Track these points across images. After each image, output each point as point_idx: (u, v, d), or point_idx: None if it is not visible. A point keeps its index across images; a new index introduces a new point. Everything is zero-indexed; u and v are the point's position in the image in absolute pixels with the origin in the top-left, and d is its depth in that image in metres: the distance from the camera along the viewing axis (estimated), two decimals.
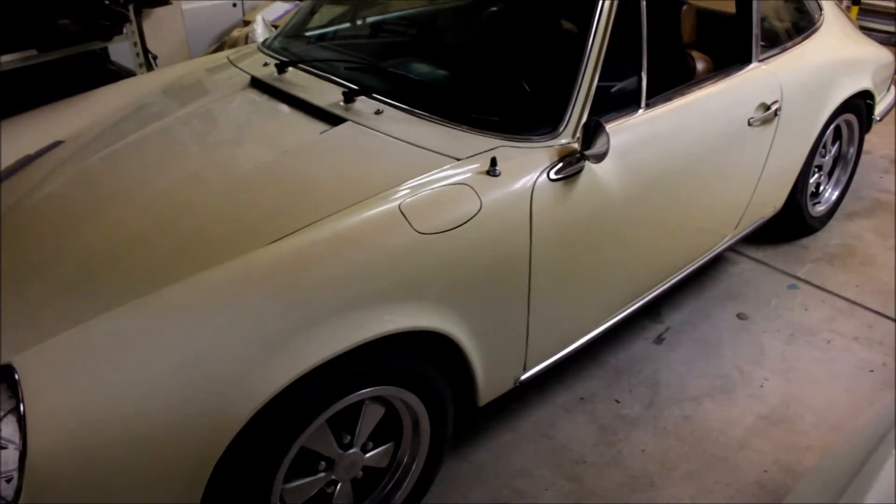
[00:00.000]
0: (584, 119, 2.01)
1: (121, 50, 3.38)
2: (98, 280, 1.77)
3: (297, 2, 4.50)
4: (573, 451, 2.30)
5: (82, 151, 2.33)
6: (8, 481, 1.35)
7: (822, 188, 3.46)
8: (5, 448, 1.36)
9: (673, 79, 2.42)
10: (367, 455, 1.88)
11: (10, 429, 1.36)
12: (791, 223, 3.28)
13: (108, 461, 1.38)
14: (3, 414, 1.38)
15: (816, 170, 3.30)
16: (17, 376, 1.36)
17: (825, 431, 2.39)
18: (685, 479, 2.22)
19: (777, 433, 2.38)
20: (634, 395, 2.53)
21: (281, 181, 1.94)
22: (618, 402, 2.50)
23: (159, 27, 3.64)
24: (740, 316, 2.92)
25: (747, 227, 2.95)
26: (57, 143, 2.42)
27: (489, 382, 1.99)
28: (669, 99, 2.31)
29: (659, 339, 2.78)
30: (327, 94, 2.25)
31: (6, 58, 2.94)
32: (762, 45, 2.71)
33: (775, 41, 2.85)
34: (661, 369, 2.64)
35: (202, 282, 1.55)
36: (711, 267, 3.17)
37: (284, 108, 2.28)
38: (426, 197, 1.75)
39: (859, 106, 3.26)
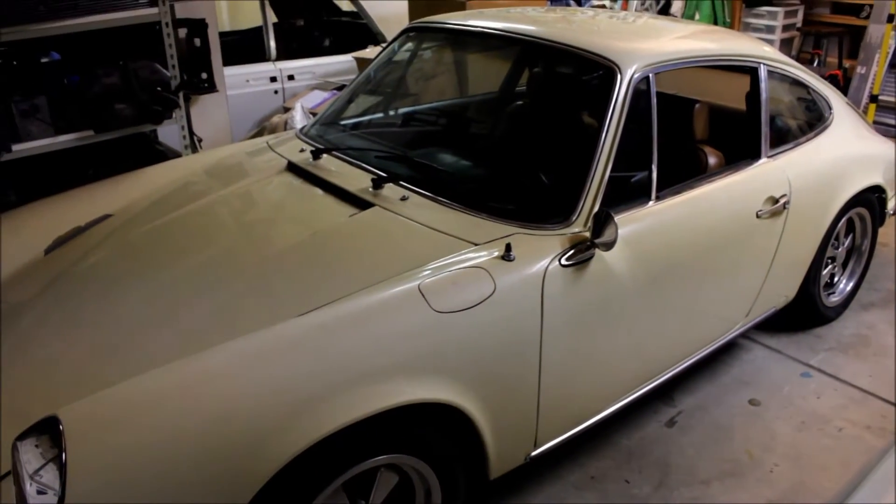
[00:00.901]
0: (596, 209, 2.15)
1: (169, 132, 3.61)
2: (138, 342, 1.92)
3: (335, 91, 4.77)
4: None
5: (127, 226, 2.52)
6: None
7: (836, 279, 3.54)
8: (44, 493, 1.47)
9: (685, 172, 2.56)
10: None
11: (50, 476, 1.48)
12: (804, 312, 3.36)
13: None
14: (45, 462, 1.50)
15: (830, 261, 3.40)
16: (61, 427, 1.48)
17: None
18: None
19: None
20: (644, 475, 2.58)
21: (311, 259, 2.10)
22: (628, 482, 2.56)
23: (205, 112, 3.89)
24: (752, 402, 2.97)
25: (759, 315, 3.03)
26: (106, 217, 2.61)
27: (500, 457, 2.08)
28: (679, 192, 2.45)
29: (671, 422, 2.85)
30: (358, 180, 2.42)
31: (65, 137, 3.18)
32: (772, 141, 2.85)
33: (786, 137, 3.00)
34: (671, 452, 2.70)
35: (233, 348, 1.69)
36: (725, 353, 3.24)
37: (318, 191, 2.46)
38: (444, 278, 1.89)
39: (871, 200, 3.37)
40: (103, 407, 1.57)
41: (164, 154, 3.57)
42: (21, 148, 3.07)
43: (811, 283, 3.20)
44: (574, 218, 2.15)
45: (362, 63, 4.92)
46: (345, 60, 5.28)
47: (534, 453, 2.20)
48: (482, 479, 2.11)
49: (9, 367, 2.00)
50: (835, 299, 3.52)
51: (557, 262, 2.03)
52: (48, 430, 1.52)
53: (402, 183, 2.35)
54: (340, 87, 4.82)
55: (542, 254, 2.03)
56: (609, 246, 2.03)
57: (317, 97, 4.73)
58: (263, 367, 1.65)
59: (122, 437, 1.51)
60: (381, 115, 3.19)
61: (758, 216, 2.66)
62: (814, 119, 3.20)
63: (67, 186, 2.79)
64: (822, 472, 2.62)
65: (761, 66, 2.82)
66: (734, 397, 3.00)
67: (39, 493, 1.46)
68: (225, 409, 1.58)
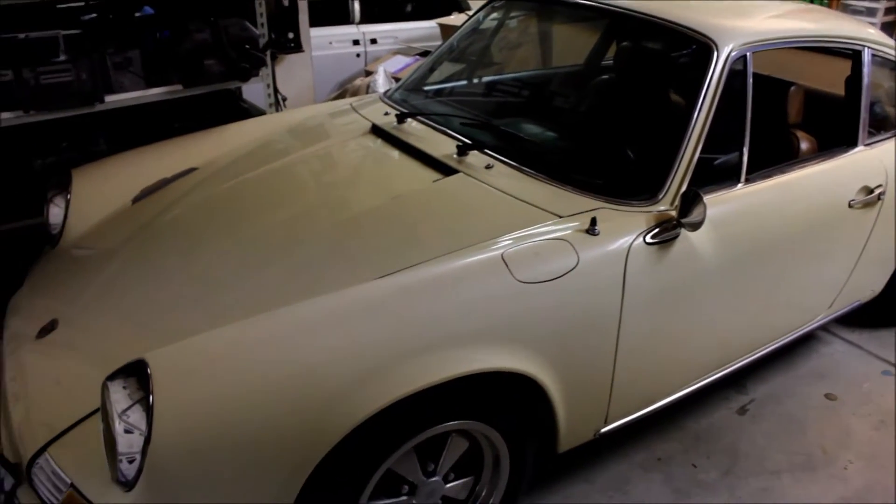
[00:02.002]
0: (684, 188, 2.10)
1: (254, 90, 3.66)
2: (220, 294, 1.97)
3: (417, 56, 4.76)
4: None
5: (212, 179, 2.57)
6: (130, 462, 1.52)
7: None
8: (131, 433, 1.53)
9: (775, 156, 2.48)
10: (448, 485, 1.99)
11: (137, 416, 1.54)
12: (890, 308, 3.24)
13: (218, 456, 1.53)
14: (132, 403, 1.56)
15: None
16: (149, 370, 1.53)
17: None
18: None
19: None
20: (712, 461, 2.55)
21: (392, 223, 2.11)
22: (695, 466, 2.53)
23: (290, 71, 3.92)
24: (829, 396, 2.90)
25: (842, 308, 2.94)
26: (191, 170, 2.66)
27: (570, 431, 2.07)
28: (770, 176, 2.38)
29: (742, 410, 2.80)
30: (442, 145, 2.42)
31: (155, 91, 3.25)
32: (871, 130, 2.74)
33: (885, 125, 2.88)
34: (741, 440, 2.65)
35: (316, 305, 1.71)
36: (802, 344, 3.16)
37: (401, 155, 2.47)
38: (527, 248, 1.88)
39: None
40: (189, 354, 1.61)
41: (248, 111, 3.62)
42: (113, 99, 3.15)
43: None
44: (661, 196, 2.10)
45: (446, 29, 4.90)
46: (428, 26, 5.26)
47: (603, 430, 2.19)
48: (550, 452, 2.11)
49: (96, 311, 2.07)
50: None
51: (642, 240, 2.00)
52: (136, 373, 1.57)
53: (487, 151, 2.34)
54: (423, 53, 4.81)
55: (627, 230, 2.00)
56: (696, 226, 1.99)
57: (399, 62, 4.73)
58: (345, 325, 1.67)
59: (206, 384, 1.55)
60: (465, 83, 3.17)
61: (850, 206, 2.57)
62: None
63: (155, 139, 2.85)
64: None
65: (865, 49, 2.70)
66: (809, 390, 2.93)
67: (126, 431, 1.52)
68: (306, 364, 1.60)
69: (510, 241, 1.90)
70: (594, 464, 2.50)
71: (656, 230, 2.03)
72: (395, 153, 2.49)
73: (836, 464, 2.57)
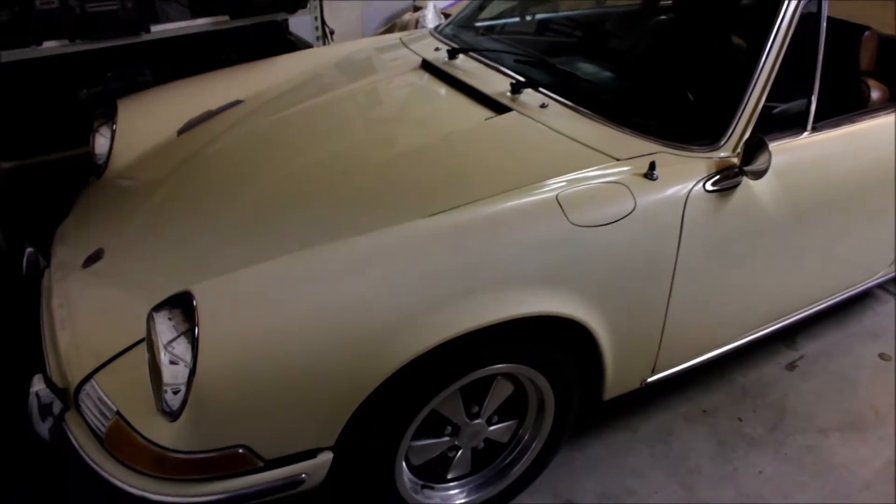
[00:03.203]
0: (748, 135, 2.01)
1: (300, 23, 3.59)
2: (266, 227, 1.94)
3: None
4: (689, 461, 2.31)
5: (258, 112, 2.53)
6: (175, 393, 1.52)
7: None
8: (176, 364, 1.52)
9: (843, 105, 2.36)
10: (491, 428, 1.97)
11: (182, 348, 1.52)
12: None
13: (263, 389, 1.52)
14: (177, 335, 1.54)
15: None
16: (194, 302, 1.51)
17: None
18: None
19: None
20: (759, 416, 2.50)
21: (443, 160, 2.06)
22: (741, 420, 2.48)
23: (338, 4, 3.84)
24: (883, 356, 2.81)
25: None
26: (237, 102, 2.63)
27: (617, 379, 2.03)
28: (838, 125, 2.26)
29: (791, 366, 2.73)
30: (495, 83, 2.34)
31: (201, 21, 3.20)
32: None
33: None
34: (789, 396, 2.59)
35: (364, 242, 1.67)
36: (857, 302, 3.06)
37: (452, 92, 2.40)
38: (583, 191, 1.81)
39: None
40: (236, 287, 1.58)
41: (294, 45, 3.56)
42: (159, 29, 3.11)
43: None
44: (723, 142, 2.01)
45: None
46: None
47: (650, 379, 2.15)
48: (595, 399, 2.08)
49: (141, 242, 2.06)
50: None
51: (702, 186, 1.92)
52: (181, 305, 1.55)
53: (541, 89, 2.26)
54: None
55: (687, 176, 1.92)
56: (759, 175, 1.91)
57: None
58: (394, 263, 1.62)
59: (252, 317, 1.53)
60: (517, 20, 3.06)
61: None
62: None
63: (201, 70, 2.82)
64: None
65: None
66: (863, 349, 2.84)
67: (172, 363, 1.51)
68: (355, 300, 1.57)
69: (565, 183, 1.83)
70: (638, 413, 2.47)
71: (717, 177, 1.95)
72: (446, 90, 2.42)
73: (887, 425, 2.50)
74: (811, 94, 2.17)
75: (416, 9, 4.65)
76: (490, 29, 2.96)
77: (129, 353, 1.73)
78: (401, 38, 2.90)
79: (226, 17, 3.23)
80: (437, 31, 2.87)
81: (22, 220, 2.95)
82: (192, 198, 2.18)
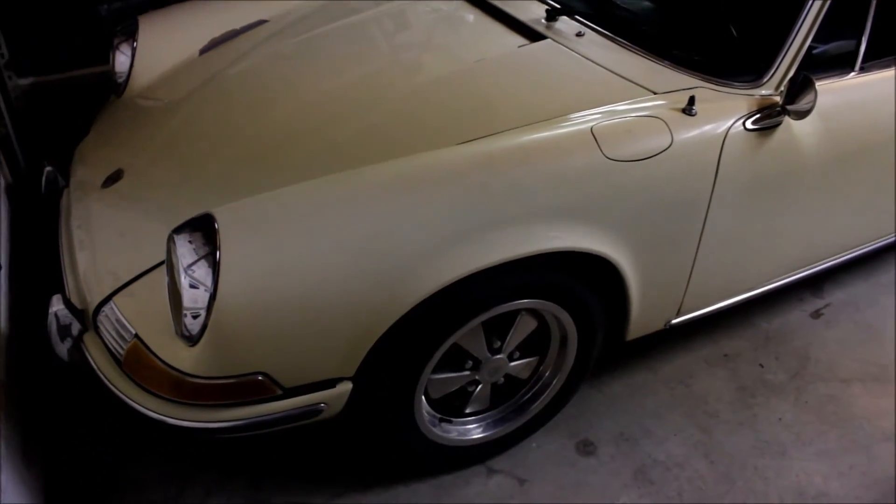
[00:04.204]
0: (792, 73, 1.92)
1: None
2: (289, 152, 1.89)
3: None
4: (708, 404, 2.29)
5: (283, 33, 2.46)
6: (194, 317, 1.49)
7: None
8: (196, 288, 1.49)
9: (894, 44, 2.26)
10: (512, 364, 1.95)
11: (202, 272, 1.49)
12: None
13: (284, 316, 1.49)
14: (198, 258, 1.51)
15: None
16: (216, 225, 1.48)
17: None
18: (819, 457, 2.17)
19: None
20: (781, 363, 2.46)
21: (475, 88, 2.00)
22: (762, 366, 2.45)
23: None
24: None
25: None
26: (261, 22, 2.56)
27: (641, 319, 2.00)
28: (888, 66, 2.16)
29: (817, 314, 2.69)
30: (530, 9, 2.26)
31: None
32: None
33: None
34: (813, 344, 2.55)
35: (390, 168, 1.62)
36: (888, 252, 2.98)
37: (485, 17, 2.31)
38: (619, 124, 1.75)
39: None
40: (259, 210, 1.54)
41: None
42: None
43: None
44: (766, 79, 1.93)
45: None
46: None
47: (674, 321, 2.12)
48: (618, 339, 2.05)
49: (162, 163, 2.03)
50: None
51: (741, 125, 1.85)
52: (202, 228, 1.51)
53: (578, 18, 2.18)
54: None
55: (727, 113, 1.85)
56: (803, 115, 1.83)
57: None
58: (422, 191, 1.58)
59: (275, 242, 1.49)
60: None
61: None
62: None
63: None
64: None
65: None
66: (890, 300, 2.79)
67: (192, 287, 1.49)
68: (381, 228, 1.53)
69: (600, 116, 1.77)
70: (659, 354, 2.44)
71: (758, 115, 1.87)
72: (478, 15, 2.34)
73: None
74: (862, 32, 2.07)
75: None
76: None
77: (149, 275, 1.71)
78: None
79: None
80: None
81: (40, 138, 2.91)
82: (214, 120, 2.13)
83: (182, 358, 1.53)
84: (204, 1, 2.65)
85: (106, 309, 1.69)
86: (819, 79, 1.98)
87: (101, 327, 1.69)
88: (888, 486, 2.10)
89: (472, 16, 2.36)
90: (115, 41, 2.48)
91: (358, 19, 2.47)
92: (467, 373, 1.89)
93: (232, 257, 1.46)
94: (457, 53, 2.17)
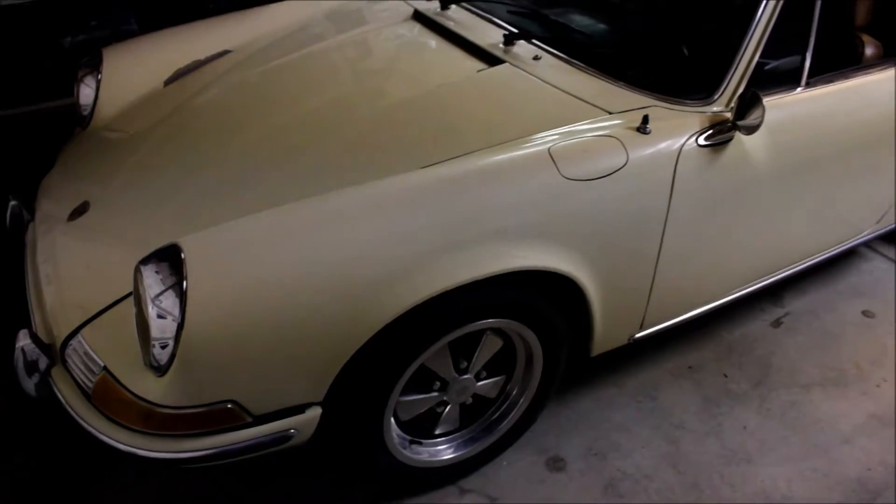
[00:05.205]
0: (742, 89, 1.99)
1: None
2: (256, 180, 1.91)
3: None
4: (674, 416, 2.34)
5: (247, 63, 2.48)
6: (163, 347, 1.50)
7: None
8: (164, 318, 1.51)
9: (837, 61, 2.34)
10: (480, 383, 1.98)
11: (170, 302, 1.50)
12: None
13: (253, 344, 1.51)
14: (165, 288, 1.53)
15: None
16: (182, 255, 1.49)
17: None
18: (783, 462, 2.22)
19: (888, 435, 2.33)
20: (744, 372, 2.52)
21: (435, 112, 2.03)
22: (726, 376, 2.50)
23: None
24: (866, 313, 2.84)
25: (889, 224, 2.83)
26: (225, 52, 2.58)
27: (605, 334, 2.04)
28: (831, 81, 2.24)
29: (777, 323, 2.75)
30: (488, 34, 2.30)
31: None
32: None
33: None
34: (774, 352, 2.62)
35: (355, 194, 1.65)
36: (843, 259, 3.08)
37: (444, 43, 2.36)
38: (575, 144, 1.80)
39: None
40: (224, 239, 1.56)
41: None
42: None
43: None
44: (717, 96, 1.99)
45: None
46: None
47: (638, 335, 2.16)
48: (583, 355, 2.09)
49: (128, 195, 2.03)
50: None
51: (694, 141, 1.91)
52: (169, 258, 1.53)
53: (535, 41, 2.23)
54: None
55: (680, 130, 1.90)
56: (752, 130, 1.89)
57: None
58: (385, 215, 1.61)
59: (241, 270, 1.51)
60: None
61: None
62: None
63: (188, 19, 2.76)
64: None
65: None
66: (847, 306, 2.87)
67: (159, 317, 1.49)
68: (345, 253, 1.55)
69: (557, 136, 1.82)
70: (625, 369, 2.49)
71: (710, 132, 1.93)
72: (437, 41, 2.38)
73: (868, 381, 2.53)
74: (806, 49, 2.14)
75: None
76: None
77: (116, 307, 1.71)
78: None
79: None
80: None
81: (5, 171, 2.90)
82: (179, 149, 2.14)
83: (151, 389, 1.54)
84: (168, 32, 2.67)
85: (74, 342, 1.69)
86: (768, 94, 2.06)
87: (70, 361, 1.69)
88: (849, 486, 2.16)
89: (432, 42, 2.40)
90: (80, 74, 2.49)
91: (321, 47, 2.50)
92: (435, 394, 1.91)
93: (199, 286, 1.47)
94: (418, 79, 2.21)
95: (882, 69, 2.41)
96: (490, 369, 1.98)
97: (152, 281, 1.52)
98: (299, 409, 1.64)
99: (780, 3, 2.01)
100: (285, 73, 2.39)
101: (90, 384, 1.62)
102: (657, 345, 2.55)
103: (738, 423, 2.34)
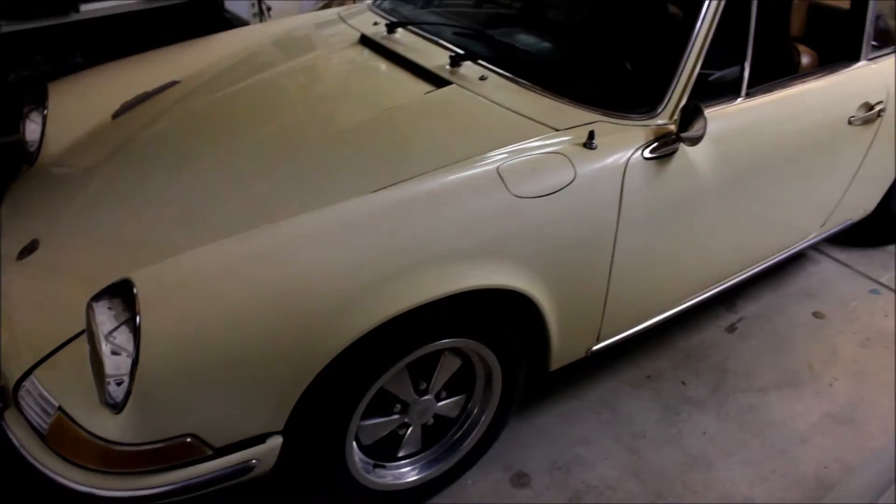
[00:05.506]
0: (684, 102, 2.04)
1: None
2: (207, 211, 1.91)
3: None
4: (635, 426, 2.37)
5: (195, 93, 2.48)
6: (118, 384, 1.49)
7: None
8: (118, 355, 1.49)
9: (776, 70, 2.41)
10: (440, 403, 1.99)
11: (124, 338, 1.49)
12: (880, 228, 3.23)
13: (209, 376, 1.50)
14: (118, 324, 1.51)
15: None
16: (135, 290, 1.48)
17: (892, 436, 2.39)
18: (743, 465, 2.26)
19: (841, 432, 2.39)
20: (701, 379, 2.57)
21: (384, 136, 2.05)
22: (684, 383, 2.54)
23: None
24: (817, 315, 2.91)
25: (834, 227, 2.92)
26: (173, 83, 2.56)
27: (562, 348, 2.06)
28: (770, 90, 2.31)
29: (731, 328, 2.81)
30: (434, 56, 2.33)
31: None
32: (873, 45, 2.66)
33: (888, 40, 2.80)
34: (730, 357, 2.67)
35: (306, 222, 1.66)
36: (792, 263, 3.16)
37: (391, 66, 2.38)
38: (523, 162, 1.83)
39: None
40: (177, 272, 1.55)
41: (230, 22, 3.49)
42: (89, 8, 3.02)
43: (892, 197, 3.07)
44: (660, 109, 2.04)
45: None
46: None
47: (595, 348, 2.19)
48: (542, 370, 2.11)
49: (78, 231, 2.01)
50: None
51: (640, 154, 1.95)
52: (121, 294, 1.52)
53: (481, 62, 2.26)
54: None
55: (626, 144, 1.95)
56: (696, 141, 1.94)
57: None
58: (338, 241, 1.62)
59: (195, 303, 1.51)
60: None
61: (849, 123, 2.52)
62: None
63: (134, 51, 2.74)
64: (883, 390, 2.57)
65: None
66: (798, 308, 2.94)
67: (114, 353, 1.48)
68: (299, 281, 1.56)
69: (506, 155, 1.84)
70: (584, 381, 2.51)
71: (655, 144, 1.97)
72: (385, 64, 2.40)
73: (821, 381, 2.60)
74: (744, 60, 2.21)
75: None
76: (429, 2, 2.94)
77: (70, 346, 1.69)
78: (339, 14, 2.87)
79: None
80: (376, 5, 2.84)
81: None
82: (130, 183, 2.13)
83: (108, 427, 1.52)
84: (114, 65, 2.65)
85: (27, 384, 1.66)
86: (710, 106, 2.12)
87: (23, 403, 1.65)
88: (807, 485, 2.21)
89: (380, 65, 2.42)
90: (25, 109, 2.46)
91: (270, 74, 2.51)
92: (396, 416, 1.92)
93: (153, 321, 1.46)
94: (368, 103, 2.22)
95: (818, 77, 2.49)
96: (450, 389, 1.99)
97: (105, 317, 1.50)
98: (260, 438, 1.63)
99: (718, 17, 2.08)
100: (235, 101, 2.39)
101: (45, 425, 1.59)
102: (615, 356, 2.58)
103: (698, 429, 2.38)
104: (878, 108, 2.58)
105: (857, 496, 1.39)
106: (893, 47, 2.76)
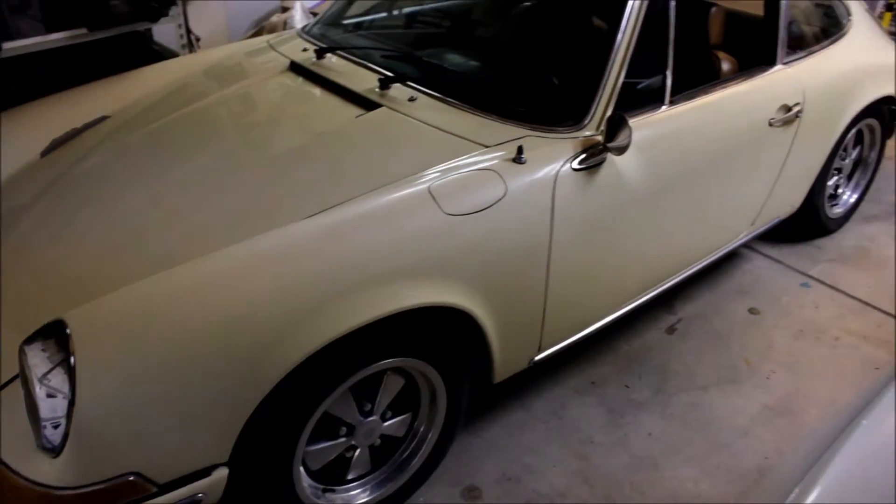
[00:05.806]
0: (609, 112, 2.10)
1: (165, 31, 3.49)
2: (140, 245, 1.90)
3: None
4: (582, 432, 2.41)
5: (125, 127, 2.46)
6: (55, 427, 1.46)
7: (840, 190, 3.52)
8: (54, 397, 1.47)
9: (698, 78, 2.50)
10: (386, 424, 2.00)
11: (58, 379, 1.47)
12: (807, 223, 3.36)
13: (149, 412, 1.49)
14: (53, 366, 1.49)
15: (836, 172, 3.37)
16: (68, 331, 1.47)
17: (829, 424, 2.46)
18: (688, 463, 2.32)
19: (780, 423, 2.46)
20: (644, 381, 2.62)
21: (317, 161, 2.07)
22: (628, 387, 2.60)
23: (202, 10, 3.76)
24: (752, 311, 3.00)
25: (763, 225, 3.02)
26: (103, 118, 2.54)
27: (505, 361, 2.09)
28: (693, 97, 2.40)
29: (671, 329, 2.88)
30: (364, 80, 2.36)
31: (57, 35, 3.07)
32: (788, 49, 2.78)
33: (802, 44, 2.92)
34: (671, 358, 2.73)
35: (240, 251, 1.66)
36: (726, 262, 3.25)
37: (322, 92, 2.39)
38: (455, 180, 1.86)
39: (882, 111, 3.31)
40: (110, 310, 1.54)
41: (160, 54, 3.46)
42: (11, 46, 2.97)
43: (816, 193, 3.19)
44: (587, 121, 2.09)
45: None
46: None
47: (537, 358, 2.22)
48: (486, 383, 2.13)
49: (9, 273, 1.98)
50: (838, 210, 3.51)
51: (569, 166, 2.00)
52: (54, 335, 1.50)
53: (410, 83, 2.29)
54: None
55: (554, 157, 1.99)
56: (622, 150, 2.00)
57: None
58: (272, 269, 1.62)
59: (129, 339, 1.50)
60: (384, 15, 3.08)
61: (770, 124, 2.61)
62: (831, 26, 3.11)
63: (61, 88, 2.70)
64: (818, 380, 2.66)
65: None
66: (734, 306, 3.03)
67: (49, 396, 1.46)
68: (232, 311, 1.56)
69: (437, 174, 1.87)
70: (531, 391, 2.55)
71: (583, 156, 2.03)
72: (316, 90, 2.42)
73: (759, 374, 2.68)
74: (666, 69, 2.28)
75: (284, 9, 4.59)
76: (358, 26, 2.97)
77: (4, 391, 1.65)
78: (268, 42, 2.87)
79: (83, 31, 3.12)
80: (305, 32, 2.86)
81: None
82: (61, 221, 2.10)
83: (46, 471, 1.49)
84: (40, 102, 2.62)
85: None
86: (635, 115, 2.19)
87: None
88: (750, 477, 2.27)
89: (311, 90, 2.43)
90: None
91: (202, 105, 2.50)
92: (343, 439, 1.92)
93: (88, 360, 1.45)
94: (300, 129, 2.24)
95: (738, 82, 2.59)
96: (395, 408, 2.00)
97: (38, 360, 1.48)
98: (205, 472, 1.62)
99: (638, 28, 2.15)
100: (168, 132, 2.38)
101: None
102: (559, 364, 2.62)
103: (643, 430, 2.43)
104: (795, 109, 2.69)
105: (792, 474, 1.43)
106: (806, 51, 2.88)
